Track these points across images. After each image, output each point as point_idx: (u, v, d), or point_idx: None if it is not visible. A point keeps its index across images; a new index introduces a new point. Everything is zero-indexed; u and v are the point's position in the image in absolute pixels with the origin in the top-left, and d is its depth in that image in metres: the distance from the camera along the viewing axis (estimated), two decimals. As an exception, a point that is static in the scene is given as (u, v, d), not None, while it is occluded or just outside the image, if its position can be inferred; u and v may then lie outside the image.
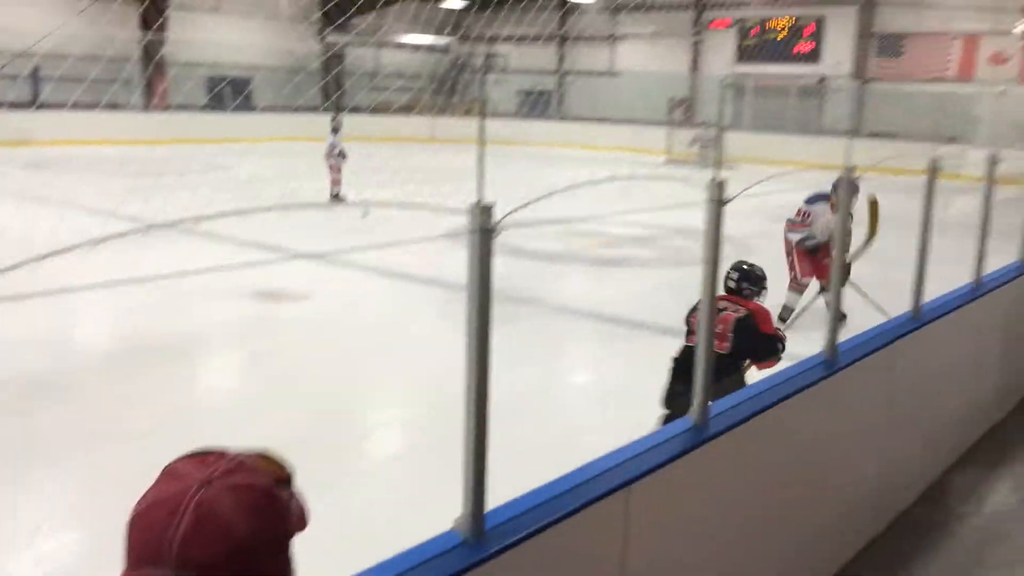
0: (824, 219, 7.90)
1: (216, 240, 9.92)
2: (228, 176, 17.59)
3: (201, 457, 1.04)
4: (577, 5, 34.54)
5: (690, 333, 4.32)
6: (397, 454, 5.25)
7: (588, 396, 6.37)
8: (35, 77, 24.26)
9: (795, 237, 8.05)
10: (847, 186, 4.52)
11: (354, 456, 5.07)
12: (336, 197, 14.53)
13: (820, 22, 29.52)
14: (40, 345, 6.50)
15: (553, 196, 2.49)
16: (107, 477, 4.24)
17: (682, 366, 4.26)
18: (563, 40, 36.17)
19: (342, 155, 14.95)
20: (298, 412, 5.40)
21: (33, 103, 22.40)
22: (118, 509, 1.10)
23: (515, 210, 2.27)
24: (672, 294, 8.67)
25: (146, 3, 27.08)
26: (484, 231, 2.05)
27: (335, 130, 15.22)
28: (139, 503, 1.00)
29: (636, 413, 4.21)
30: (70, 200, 12.34)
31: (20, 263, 1.37)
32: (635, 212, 13.53)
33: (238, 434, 5.05)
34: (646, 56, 33.72)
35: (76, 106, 22.23)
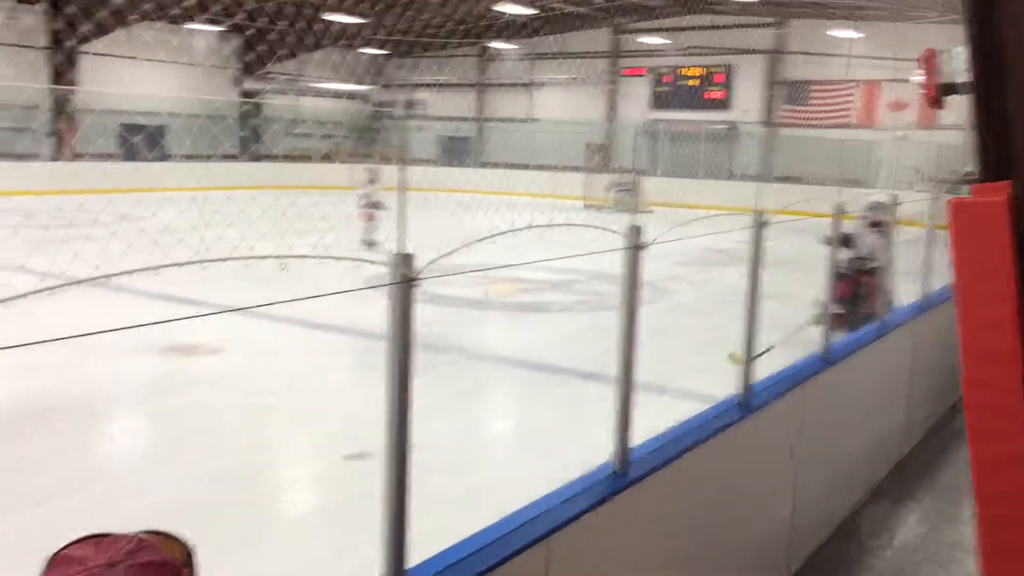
0: (869, 239, 8.16)
1: (127, 293, 9.63)
2: (141, 227, 17.16)
3: (96, 540, 1.00)
4: (497, 53, 35.12)
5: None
6: (311, 511, 5.12)
7: (509, 444, 6.37)
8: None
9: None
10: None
11: (266, 515, 4.93)
12: (370, 244, 15.19)
13: (729, 70, 30.64)
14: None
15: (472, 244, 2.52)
16: None
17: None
18: (483, 87, 36.66)
19: (378, 205, 15.68)
20: (206, 471, 5.23)
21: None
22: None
23: (436, 259, 2.27)
24: (591, 338, 8.78)
25: (59, 52, 26.50)
26: (405, 281, 2.05)
27: (372, 180, 16.17)
28: None
29: (557, 460, 4.22)
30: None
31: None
32: (553, 257, 13.68)
33: (142, 498, 4.84)
34: (564, 103, 34.42)
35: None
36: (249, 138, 32.17)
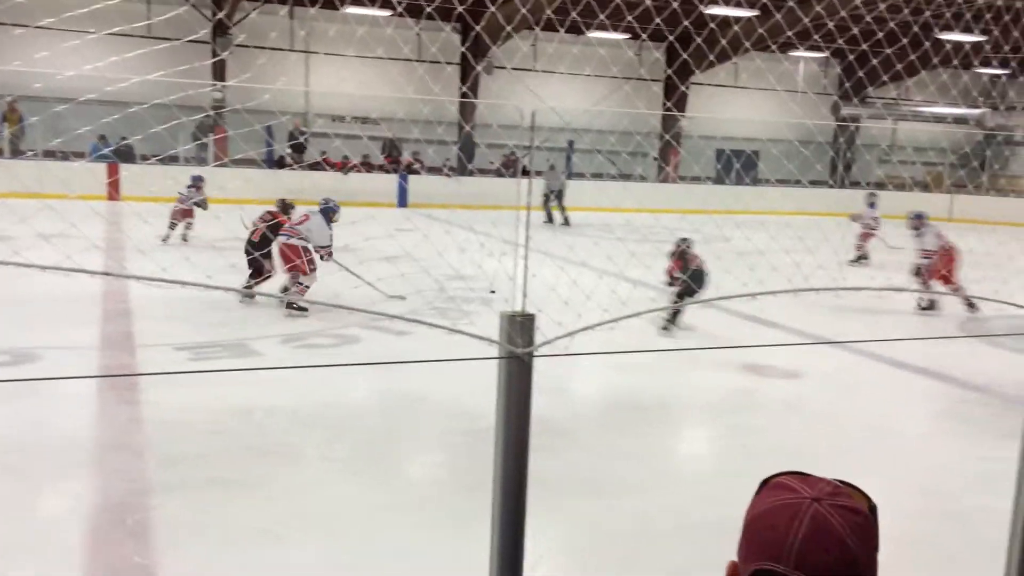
0: None
1: (714, 310, 10.11)
2: (727, 248, 17.98)
3: (801, 477, 1.15)
4: None
5: None
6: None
7: None
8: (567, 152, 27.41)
9: None
10: None
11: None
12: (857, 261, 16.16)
13: None
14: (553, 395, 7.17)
15: None
16: (599, 528, 4.50)
17: None
18: None
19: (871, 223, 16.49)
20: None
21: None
22: None
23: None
24: None
25: (672, 86, 29.09)
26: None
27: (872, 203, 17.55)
28: (756, 507, 1.13)
29: None
30: (585, 260, 13.43)
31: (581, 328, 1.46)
32: None
33: (718, 509, 4.91)
34: None
35: (598, 176, 24.64)
36: (839, 164, 31.59)
